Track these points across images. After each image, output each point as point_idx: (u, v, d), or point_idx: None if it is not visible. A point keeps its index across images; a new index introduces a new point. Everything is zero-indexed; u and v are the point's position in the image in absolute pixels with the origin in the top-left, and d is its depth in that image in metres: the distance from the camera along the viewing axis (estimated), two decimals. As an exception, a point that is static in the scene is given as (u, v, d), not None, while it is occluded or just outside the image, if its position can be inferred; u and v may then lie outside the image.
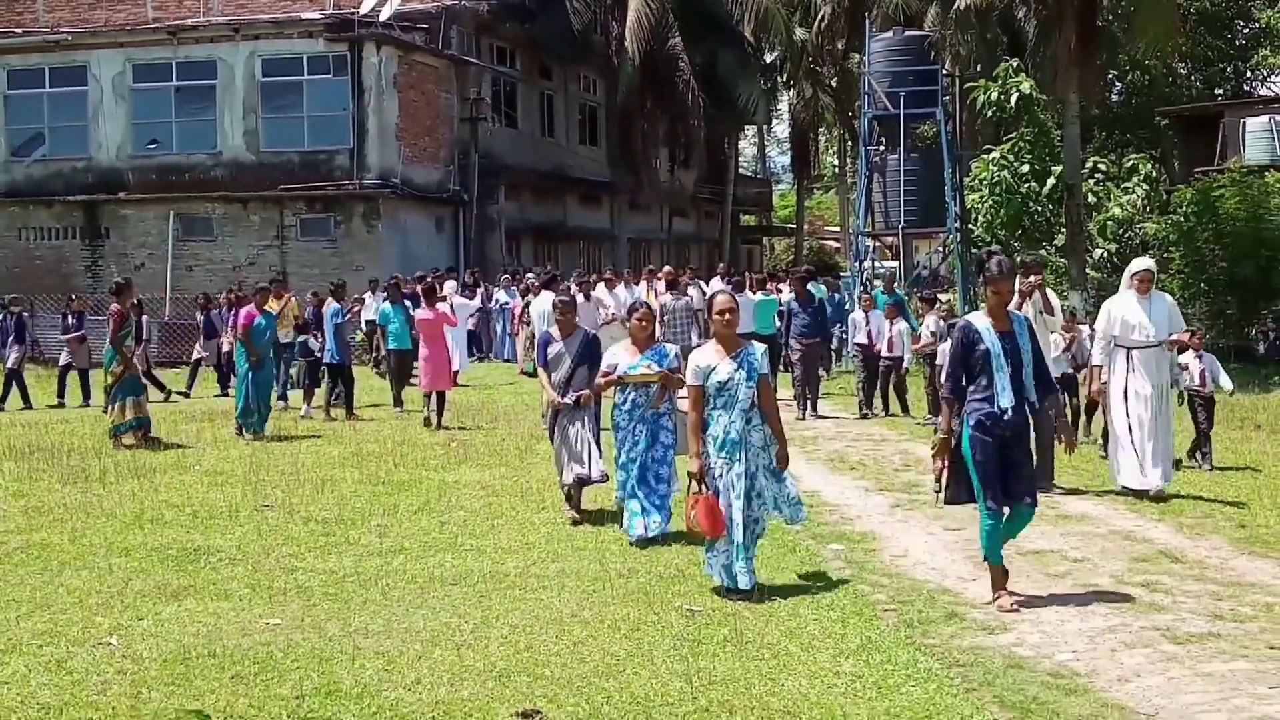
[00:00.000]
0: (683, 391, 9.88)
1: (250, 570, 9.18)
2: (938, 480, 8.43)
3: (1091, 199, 28.63)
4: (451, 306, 22.75)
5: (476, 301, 27.63)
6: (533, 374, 20.56)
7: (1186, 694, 6.44)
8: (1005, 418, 8.08)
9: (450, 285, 25.92)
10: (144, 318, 23.61)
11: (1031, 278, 12.60)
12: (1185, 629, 7.55)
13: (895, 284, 23.39)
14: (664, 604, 8.08)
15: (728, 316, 8.47)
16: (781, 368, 24.20)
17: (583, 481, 10.76)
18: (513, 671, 6.77)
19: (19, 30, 33.84)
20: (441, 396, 17.48)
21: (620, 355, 10.32)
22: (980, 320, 8.34)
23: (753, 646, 7.18)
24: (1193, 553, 9.61)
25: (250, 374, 16.69)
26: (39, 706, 6.34)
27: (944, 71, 30.74)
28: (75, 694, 6.51)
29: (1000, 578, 8.17)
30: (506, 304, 28.60)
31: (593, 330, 20.81)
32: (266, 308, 17.71)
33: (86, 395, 21.45)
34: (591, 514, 11.01)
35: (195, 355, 23.93)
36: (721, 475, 8.26)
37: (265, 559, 9.53)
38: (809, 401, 18.88)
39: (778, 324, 20.80)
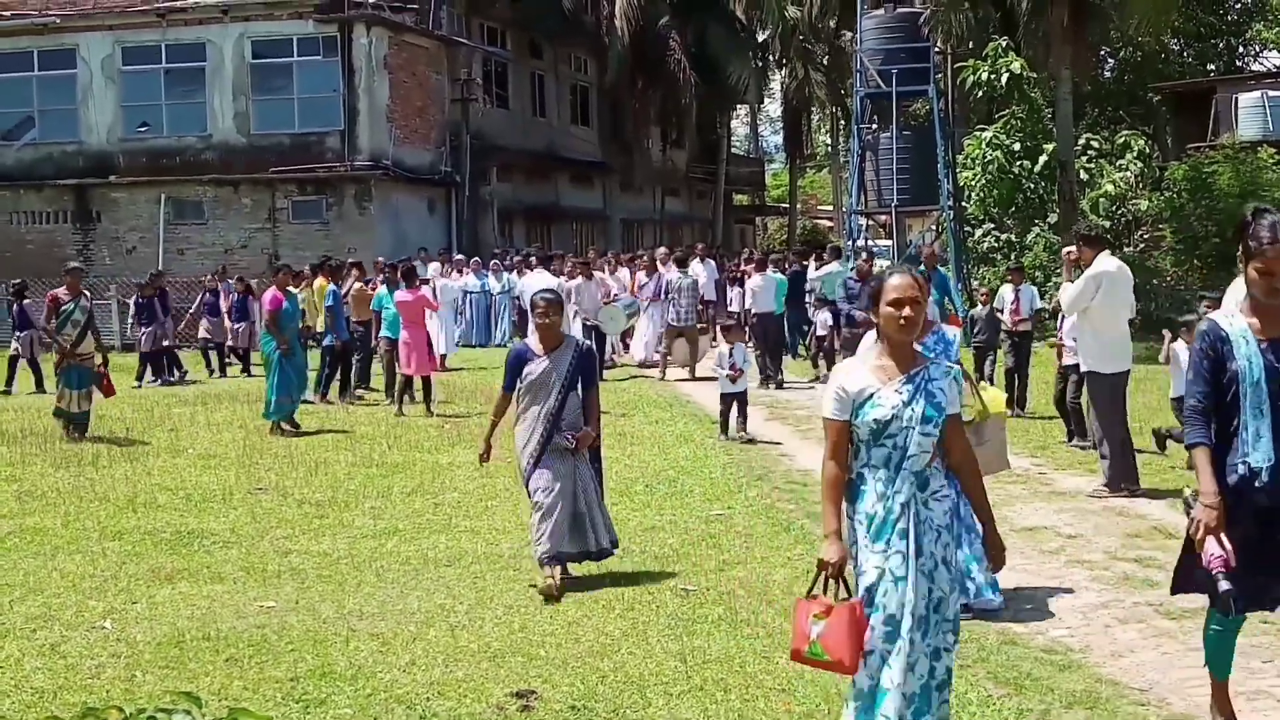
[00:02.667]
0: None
1: (244, 553, 9.18)
2: (1224, 575, 5.12)
3: (1084, 176, 28.63)
4: (435, 289, 22.50)
5: (461, 283, 26.98)
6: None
7: (1179, 669, 6.45)
8: (1260, 483, 5.14)
9: (434, 267, 25.54)
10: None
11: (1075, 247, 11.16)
12: (1178, 604, 7.54)
13: (935, 258, 19.15)
14: (658, 583, 8.09)
15: (907, 312, 4.95)
16: (798, 354, 22.97)
17: (584, 557, 8.26)
18: (507, 652, 6.78)
19: (7, 13, 33.58)
20: (426, 380, 17.25)
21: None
22: (1234, 322, 5.27)
23: (747, 625, 7.19)
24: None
25: (281, 362, 15.61)
26: (33, 690, 6.34)
27: (936, 49, 30.64)
28: (69, 678, 6.52)
29: (1223, 697, 5.60)
30: (475, 289, 27.42)
31: (591, 321, 20.65)
32: (289, 289, 16.68)
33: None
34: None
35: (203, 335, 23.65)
36: (881, 578, 4.95)
37: (259, 542, 9.53)
38: None
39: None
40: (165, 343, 22.17)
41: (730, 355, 14.18)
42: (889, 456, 4.98)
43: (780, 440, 14.41)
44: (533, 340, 8.39)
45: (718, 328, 15.71)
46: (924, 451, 4.96)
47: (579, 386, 8.16)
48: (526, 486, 8.17)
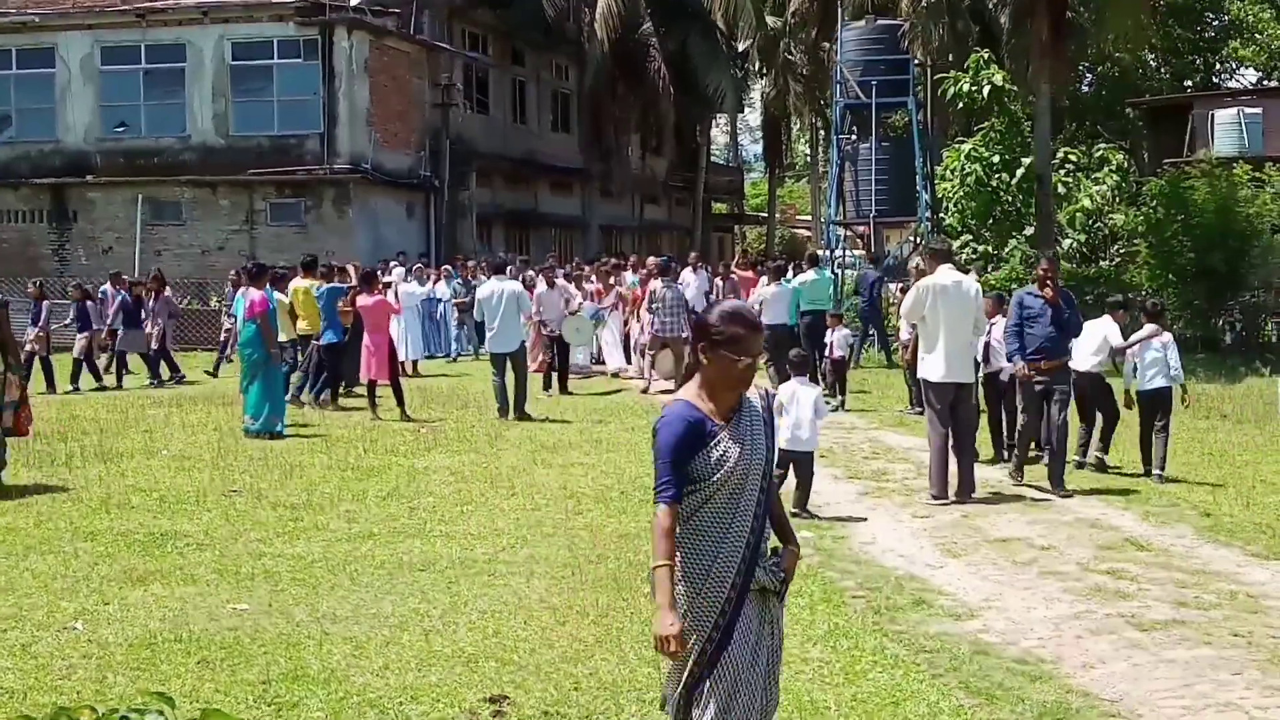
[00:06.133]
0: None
1: (217, 555, 9.14)
2: None
3: (1061, 189, 28.77)
4: (396, 293, 22.13)
5: (426, 289, 25.88)
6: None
7: (1150, 680, 6.49)
8: None
9: (398, 272, 25.29)
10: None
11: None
12: (1150, 616, 7.61)
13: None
14: (633, 590, 8.09)
15: None
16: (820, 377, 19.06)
17: None
18: (481, 657, 6.78)
19: (-15, 11, 33.48)
20: (397, 386, 17.03)
21: None
22: None
23: (721, 632, 7.19)
24: (1158, 541, 9.68)
25: (268, 367, 15.31)
26: (3, 690, 6.31)
27: (916, 61, 30.79)
28: (40, 678, 6.48)
29: None
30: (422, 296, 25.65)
31: (555, 332, 19.66)
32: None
33: (50, 382, 21.22)
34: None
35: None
36: None
37: (233, 544, 9.49)
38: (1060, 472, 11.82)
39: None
40: None
41: (791, 398, 10.65)
42: None
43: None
44: (696, 395, 4.57)
45: (785, 364, 12.31)
46: None
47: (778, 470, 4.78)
48: (698, 681, 4.43)
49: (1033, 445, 12.58)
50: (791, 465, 10.47)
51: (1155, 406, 12.59)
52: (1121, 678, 6.54)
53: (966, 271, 14.06)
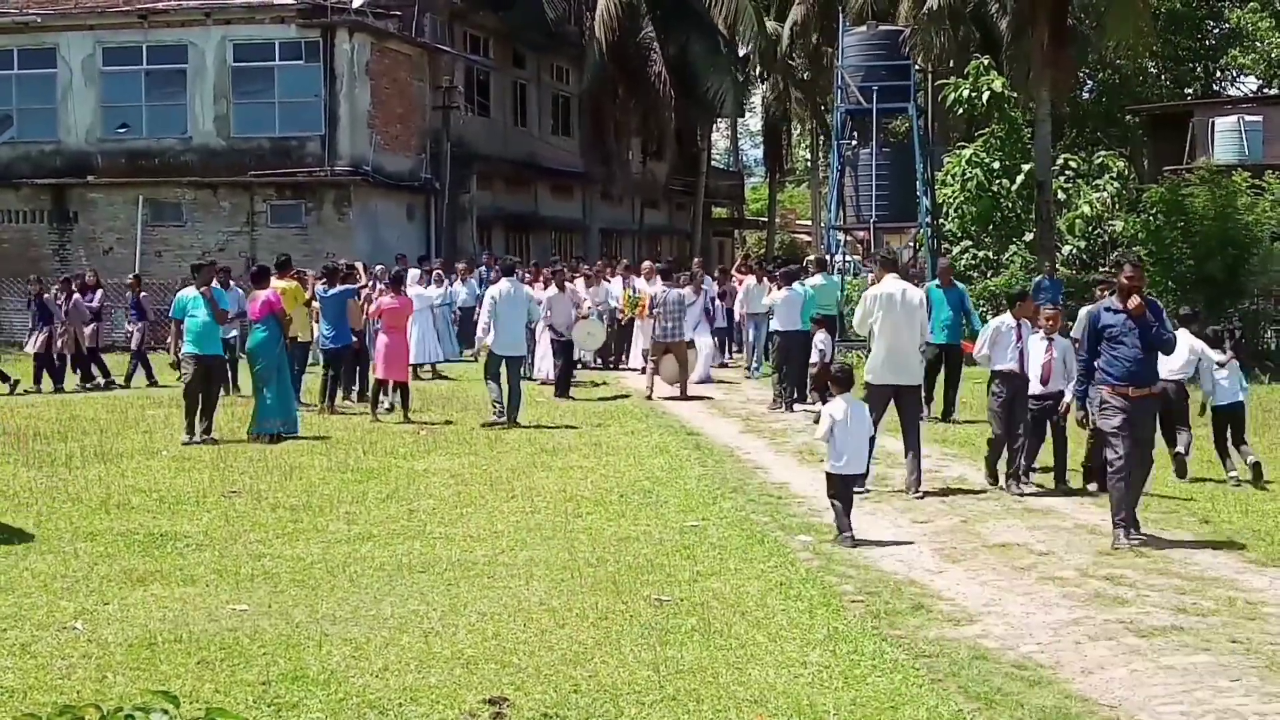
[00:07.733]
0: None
1: (217, 556, 9.15)
2: None
3: (1061, 196, 28.84)
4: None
5: (439, 292, 25.54)
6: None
7: (1149, 686, 6.50)
8: None
9: (413, 274, 25.22)
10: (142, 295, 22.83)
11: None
12: (1149, 622, 7.62)
13: (950, 272, 17.62)
14: (632, 593, 8.10)
15: None
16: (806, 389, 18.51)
17: None
18: (480, 659, 6.78)
19: (-12, 11, 33.49)
20: (404, 387, 17.13)
21: None
22: None
23: (720, 636, 7.21)
24: (1156, 547, 9.69)
25: (280, 369, 15.38)
26: (3, 690, 6.31)
27: (917, 67, 30.80)
28: (40, 678, 6.49)
29: None
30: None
31: (565, 336, 19.52)
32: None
33: (57, 380, 21.23)
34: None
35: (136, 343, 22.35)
36: None
37: (232, 545, 9.50)
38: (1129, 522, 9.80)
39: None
40: None
41: (844, 417, 9.78)
42: None
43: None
44: None
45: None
46: None
47: None
48: None
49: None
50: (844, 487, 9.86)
51: (1228, 421, 12.86)
52: (1120, 683, 6.54)
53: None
